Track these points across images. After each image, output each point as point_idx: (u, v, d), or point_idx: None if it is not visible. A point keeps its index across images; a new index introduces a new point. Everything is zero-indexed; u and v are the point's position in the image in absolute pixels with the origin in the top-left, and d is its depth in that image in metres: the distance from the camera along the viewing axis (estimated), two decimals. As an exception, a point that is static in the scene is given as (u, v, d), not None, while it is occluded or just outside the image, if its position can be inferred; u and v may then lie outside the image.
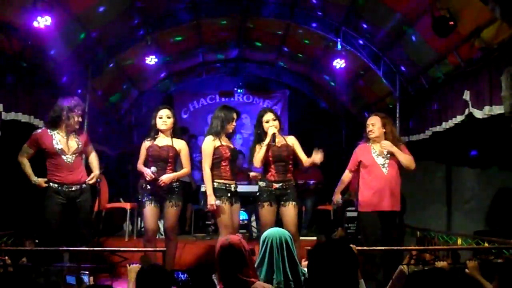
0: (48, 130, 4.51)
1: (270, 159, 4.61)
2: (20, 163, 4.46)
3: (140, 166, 4.71)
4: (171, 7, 6.44)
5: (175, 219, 4.68)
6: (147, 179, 4.55)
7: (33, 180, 4.42)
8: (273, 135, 4.55)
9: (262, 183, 4.67)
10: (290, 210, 4.56)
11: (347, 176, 4.88)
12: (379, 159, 4.63)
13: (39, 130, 4.55)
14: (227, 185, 4.56)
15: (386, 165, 4.60)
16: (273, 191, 4.59)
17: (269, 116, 4.67)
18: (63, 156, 4.48)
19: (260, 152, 4.60)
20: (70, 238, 4.44)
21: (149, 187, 4.58)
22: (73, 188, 4.48)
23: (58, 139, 4.48)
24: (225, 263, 2.62)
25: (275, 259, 2.86)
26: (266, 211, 4.57)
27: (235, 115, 4.68)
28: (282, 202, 4.59)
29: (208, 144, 4.55)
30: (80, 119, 4.60)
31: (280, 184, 4.59)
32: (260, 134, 4.70)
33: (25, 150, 4.49)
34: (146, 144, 4.72)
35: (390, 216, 4.56)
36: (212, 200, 4.42)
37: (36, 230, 4.67)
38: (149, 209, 4.56)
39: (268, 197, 4.58)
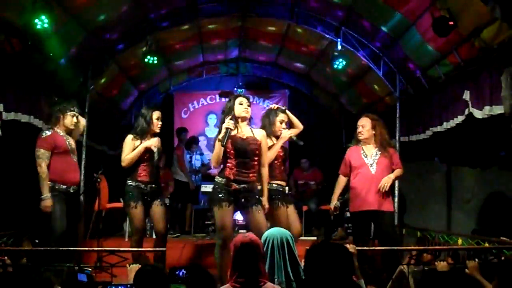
0: (58, 131, 4.51)
1: (232, 151, 3.97)
2: (42, 172, 4.30)
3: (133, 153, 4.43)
4: (171, 7, 6.44)
5: (165, 219, 4.58)
6: (153, 148, 4.42)
7: (46, 196, 4.30)
8: (227, 130, 3.92)
9: (219, 179, 4.03)
10: (257, 217, 3.98)
11: (342, 180, 4.83)
12: (367, 159, 4.65)
13: (49, 133, 4.47)
14: (284, 186, 4.51)
15: (374, 165, 4.60)
16: (232, 191, 3.97)
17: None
18: (71, 154, 4.54)
19: (215, 149, 3.97)
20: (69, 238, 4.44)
21: (141, 185, 4.47)
22: (76, 189, 4.58)
23: (66, 139, 4.53)
24: (243, 259, 2.61)
25: (276, 259, 2.86)
26: (224, 212, 3.94)
27: None
28: (244, 206, 4.01)
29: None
30: (76, 120, 4.59)
31: (242, 185, 3.97)
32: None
33: (45, 156, 4.34)
34: (135, 143, 4.47)
35: (379, 215, 4.54)
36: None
37: (40, 231, 4.64)
38: (139, 210, 4.41)
39: (226, 196, 3.96)
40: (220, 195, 3.97)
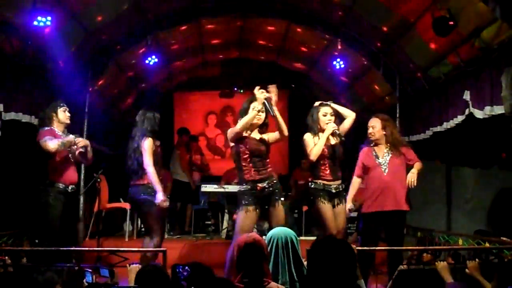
0: (55, 129, 4.47)
1: (247, 152, 4.13)
2: (56, 144, 4.27)
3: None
4: (171, 7, 6.44)
5: None
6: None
7: (74, 138, 4.44)
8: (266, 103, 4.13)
9: (243, 185, 4.17)
10: (280, 210, 4.17)
11: (356, 182, 4.75)
12: (379, 160, 4.64)
13: (47, 128, 4.43)
14: (327, 186, 4.39)
15: (386, 166, 4.60)
16: (259, 192, 4.12)
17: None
18: (69, 154, 4.50)
19: (249, 117, 4.09)
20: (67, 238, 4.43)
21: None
22: (74, 189, 4.52)
23: (63, 137, 4.50)
24: (247, 259, 2.61)
25: (280, 259, 2.86)
26: (248, 216, 4.08)
27: None
28: (269, 203, 4.15)
29: (311, 140, 4.41)
30: (69, 114, 4.58)
31: (266, 181, 4.14)
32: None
33: (49, 138, 4.31)
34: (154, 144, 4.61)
35: (393, 216, 4.54)
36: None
37: (37, 230, 4.64)
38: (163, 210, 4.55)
39: (253, 200, 4.10)
40: (247, 200, 4.10)
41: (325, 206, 4.34)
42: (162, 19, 6.53)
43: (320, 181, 4.40)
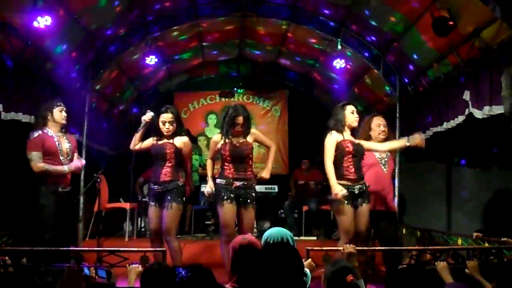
0: (47, 131, 4.40)
1: (228, 158, 4.42)
2: (42, 170, 4.26)
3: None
4: (171, 7, 6.44)
5: (171, 222, 4.47)
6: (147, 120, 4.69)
7: (64, 168, 4.39)
8: None
9: (220, 180, 4.45)
10: (249, 213, 4.40)
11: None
12: (379, 158, 4.63)
13: (36, 134, 4.35)
14: (350, 187, 4.18)
15: (385, 164, 4.61)
16: (234, 189, 4.39)
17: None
18: (61, 157, 4.44)
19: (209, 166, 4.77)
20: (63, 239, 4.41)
21: (154, 187, 4.53)
22: (67, 189, 4.46)
23: (57, 140, 4.43)
24: (242, 261, 2.62)
25: None
26: (227, 210, 4.35)
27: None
28: (241, 203, 4.40)
29: (330, 144, 4.29)
30: (65, 114, 4.51)
31: (241, 182, 4.39)
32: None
33: (37, 156, 4.27)
34: (152, 141, 4.69)
35: (391, 215, 4.55)
36: (336, 190, 4.07)
37: (32, 230, 4.63)
38: (151, 210, 4.53)
39: (228, 195, 4.36)
40: (222, 195, 4.37)
41: (345, 208, 4.12)
42: (162, 19, 6.53)
43: (343, 181, 4.17)
